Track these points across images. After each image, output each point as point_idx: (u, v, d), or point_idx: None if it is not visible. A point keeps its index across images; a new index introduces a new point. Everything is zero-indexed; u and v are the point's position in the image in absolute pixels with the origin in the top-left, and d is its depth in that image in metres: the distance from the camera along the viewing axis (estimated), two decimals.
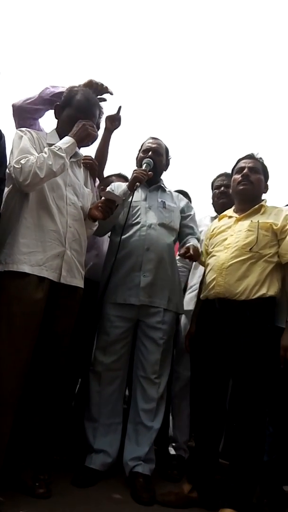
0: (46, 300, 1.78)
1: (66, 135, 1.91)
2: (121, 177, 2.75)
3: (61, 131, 1.97)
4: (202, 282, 2.25)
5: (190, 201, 3.13)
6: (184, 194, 3.04)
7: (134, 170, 2.26)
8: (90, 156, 2.23)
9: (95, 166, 2.22)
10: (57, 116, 2.03)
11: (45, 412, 1.89)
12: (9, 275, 1.72)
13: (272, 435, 1.98)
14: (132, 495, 1.95)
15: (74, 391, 2.28)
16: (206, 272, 2.16)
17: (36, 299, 1.74)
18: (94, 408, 2.15)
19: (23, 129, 1.89)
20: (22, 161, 1.73)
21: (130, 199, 2.24)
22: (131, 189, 2.20)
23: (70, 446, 2.26)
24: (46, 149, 1.80)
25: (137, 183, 2.20)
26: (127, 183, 2.27)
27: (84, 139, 1.93)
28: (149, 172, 2.27)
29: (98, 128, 2.06)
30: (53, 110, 2.04)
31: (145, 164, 2.31)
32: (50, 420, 1.93)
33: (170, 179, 2.59)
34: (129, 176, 2.31)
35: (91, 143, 2.03)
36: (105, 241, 2.51)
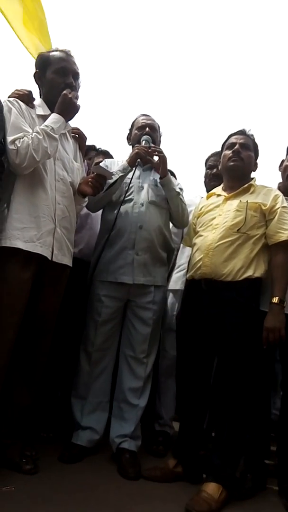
0: (33, 279, 1.77)
1: (54, 98, 1.87)
2: (103, 153, 2.68)
3: (49, 96, 1.92)
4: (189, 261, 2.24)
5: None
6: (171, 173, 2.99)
7: (136, 146, 2.21)
8: (79, 128, 2.16)
9: (84, 139, 2.17)
10: (39, 83, 1.97)
11: (31, 389, 1.90)
12: None
13: None
14: (119, 470, 1.98)
15: (62, 368, 2.29)
16: (193, 252, 2.15)
17: (23, 278, 1.72)
18: (83, 387, 2.17)
19: (11, 99, 1.82)
20: (18, 143, 1.68)
21: (131, 176, 2.19)
22: (132, 165, 2.16)
23: (57, 423, 2.29)
24: (39, 129, 1.75)
25: (139, 159, 2.16)
26: (127, 158, 2.21)
27: (71, 113, 1.90)
28: (149, 149, 2.21)
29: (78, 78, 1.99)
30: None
31: (144, 141, 2.24)
32: (37, 397, 1.94)
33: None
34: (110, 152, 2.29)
35: (74, 115, 1.98)
36: (98, 220, 2.45)
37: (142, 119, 2.40)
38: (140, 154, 2.16)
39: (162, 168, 2.19)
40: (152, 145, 2.23)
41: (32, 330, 1.84)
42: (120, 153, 2.40)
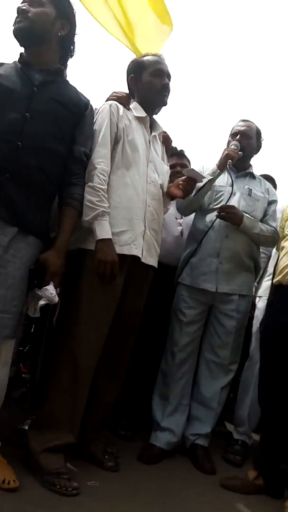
0: (124, 279, 1.78)
1: (152, 100, 1.93)
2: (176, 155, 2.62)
3: (146, 98, 1.93)
4: (276, 266, 2.15)
5: (276, 187, 3.00)
6: (270, 179, 2.91)
7: (225, 148, 2.16)
8: (166, 132, 2.15)
9: (170, 141, 2.16)
10: (134, 87, 1.96)
11: (115, 386, 1.93)
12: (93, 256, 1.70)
13: None
14: (195, 465, 2.06)
15: (144, 369, 2.30)
16: (281, 256, 2.05)
17: (118, 278, 1.73)
18: (166, 388, 2.17)
19: (111, 102, 1.84)
20: (97, 166, 1.70)
21: (221, 182, 2.17)
22: (222, 168, 2.11)
23: (135, 422, 2.30)
24: (102, 209, 1.66)
25: (229, 161, 2.10)
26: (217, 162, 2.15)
27: None
28: (239, 152, 2.16)
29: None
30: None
31: (233, 145, 2.19)
32: (119, 395, 1.97)
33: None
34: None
35: None
36: (171, 223, 2.43)
37: (238, 125, 2.33)
38: (230, 154, 2.10)
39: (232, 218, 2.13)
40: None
41: (117, 328, 1.85)
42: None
